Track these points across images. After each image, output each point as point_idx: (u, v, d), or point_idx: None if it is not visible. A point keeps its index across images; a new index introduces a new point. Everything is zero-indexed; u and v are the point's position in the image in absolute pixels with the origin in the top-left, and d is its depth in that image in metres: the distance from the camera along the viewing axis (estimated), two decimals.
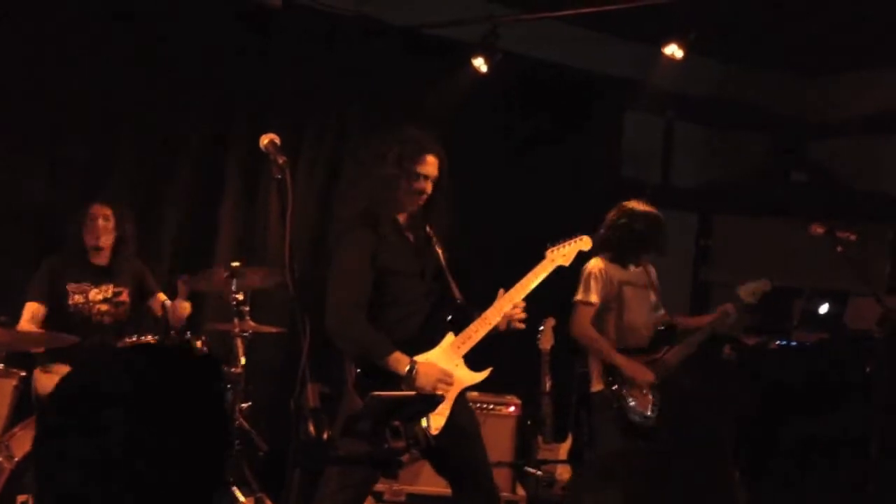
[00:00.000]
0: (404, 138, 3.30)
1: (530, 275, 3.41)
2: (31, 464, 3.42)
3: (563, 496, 4.53)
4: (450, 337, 3.30)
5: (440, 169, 3.32)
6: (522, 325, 3.37)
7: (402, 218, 3.36)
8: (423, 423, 3.04)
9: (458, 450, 3.26)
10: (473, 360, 3.38)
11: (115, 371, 1.29)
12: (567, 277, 5.16)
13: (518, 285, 3.38)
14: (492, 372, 3.35)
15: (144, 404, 1.25)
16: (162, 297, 4.51)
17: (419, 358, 3.20)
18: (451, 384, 3.21)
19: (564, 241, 3.54)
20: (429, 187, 3.30)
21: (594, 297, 4.29)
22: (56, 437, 1.25)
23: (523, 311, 3.36)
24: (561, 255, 3.49)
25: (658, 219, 4.38)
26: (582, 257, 3.73)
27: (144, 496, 1.23)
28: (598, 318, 4.34)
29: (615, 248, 4.35)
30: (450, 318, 3.33)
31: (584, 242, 3.58)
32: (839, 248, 4.26)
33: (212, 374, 1.40)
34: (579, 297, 4.32)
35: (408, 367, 3.14)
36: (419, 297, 3.31)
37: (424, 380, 3.16)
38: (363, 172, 3.41)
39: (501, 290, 3.38)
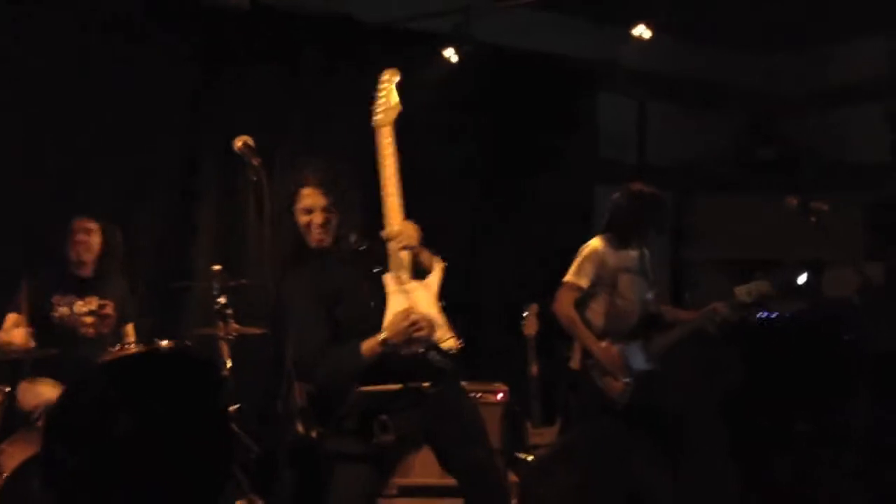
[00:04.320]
0: (283, 180, 3.13)
1: (383, 159, 3.09)
2: (29, 473, 3.42)
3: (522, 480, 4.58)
4: (386, 277, 3.06)
5: (327, 189, 3.11)
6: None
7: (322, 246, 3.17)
8: (445, 346, 2.97)
9: (461, 451, 3.16)
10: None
11: (123, 379, 1.31)
12: (550, 263, 5.22)
13: (385, 178, 3.08)
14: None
15: (152, 410, 1.27)
16: (131, 330, 4.51)
17: (385, 321, 3.00)
18: (419, 318, 2.97)
19: (377, 96, 3.24)
20: (318, 217, 3.11)
21: (584, 281, 4.38)
22: (66, 442, 1.27)
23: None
24: (386, 108, 3.15)
25: (659, 198, 4.48)
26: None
27: (152, 497, 1.25)
28: (588, 300, 4.43)
29: (619, 229, 4.45)
30: (376, 270, 3.08)
31: (392, 74, 3.27)
32: (812, 219, 4.32)
33: (212, 379, 1.42)
34: (569, 277, 4.41)
35: (380, 342, 2.95)
36: (368, 308, 3.06)
37: (398, 337, 2.95)
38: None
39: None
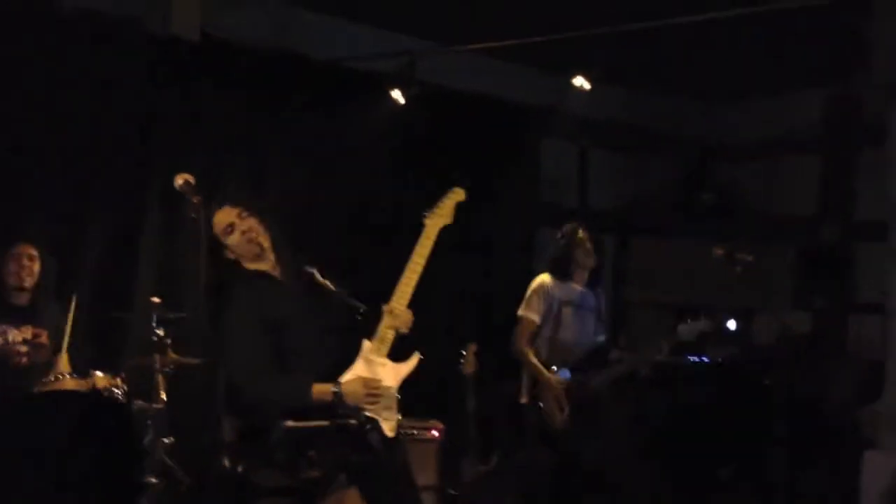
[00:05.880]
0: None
1: (418, 248, 3.32)
2: None
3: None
4: (366, 343, 3.19)
5: (234, 202, 3.22)
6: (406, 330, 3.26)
7: (255, 265, 3.23)
8: (385, 428, 3.09)
9: (386, 491, 3.17)
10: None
11: (39, 418, 1.37)
12: (489, 303, 5.30)
13: (411, 264, 3.28)
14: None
15: (67, 447, 1.33)
16: (65, 359, 4.43)
17: (344, 376, 3.10)
18: (379, 392, 3.10)
19: (437, 202, 3.46)
20: (240, 225, 3.17)
21: (534, 315, 4.64)
22: None
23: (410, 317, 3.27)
24: (439, 216, 3.40)
25: (578, 230, 4.71)
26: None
27: None
28: (534, 332, 4.67)
29: (552, 263, 4.75)
30: (359, 314, 3.24)
31: (458, 194, 3.50)
32: (738, 269, 4.48)
33: (122, 420, 1.48)
34: (522, 311, 4.68)
35: (333, 392, 3.05)
36: (317, 343, 3.21)
37: (353, 399, 3.05)
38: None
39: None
